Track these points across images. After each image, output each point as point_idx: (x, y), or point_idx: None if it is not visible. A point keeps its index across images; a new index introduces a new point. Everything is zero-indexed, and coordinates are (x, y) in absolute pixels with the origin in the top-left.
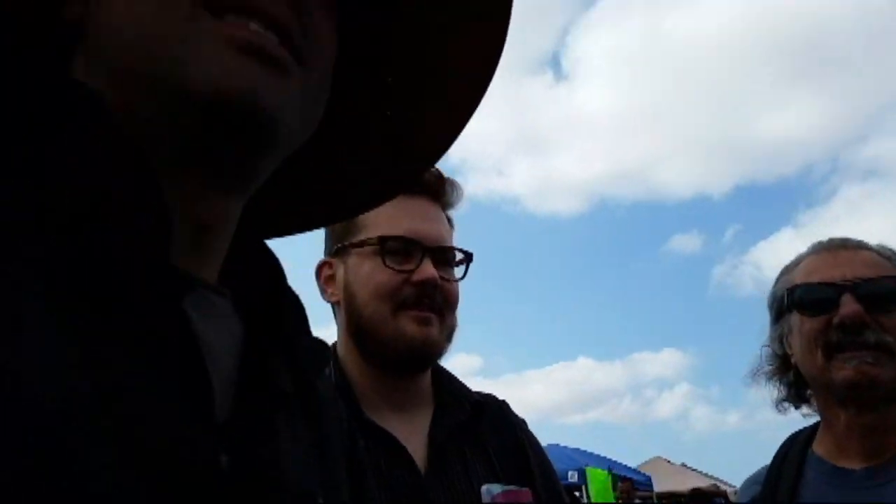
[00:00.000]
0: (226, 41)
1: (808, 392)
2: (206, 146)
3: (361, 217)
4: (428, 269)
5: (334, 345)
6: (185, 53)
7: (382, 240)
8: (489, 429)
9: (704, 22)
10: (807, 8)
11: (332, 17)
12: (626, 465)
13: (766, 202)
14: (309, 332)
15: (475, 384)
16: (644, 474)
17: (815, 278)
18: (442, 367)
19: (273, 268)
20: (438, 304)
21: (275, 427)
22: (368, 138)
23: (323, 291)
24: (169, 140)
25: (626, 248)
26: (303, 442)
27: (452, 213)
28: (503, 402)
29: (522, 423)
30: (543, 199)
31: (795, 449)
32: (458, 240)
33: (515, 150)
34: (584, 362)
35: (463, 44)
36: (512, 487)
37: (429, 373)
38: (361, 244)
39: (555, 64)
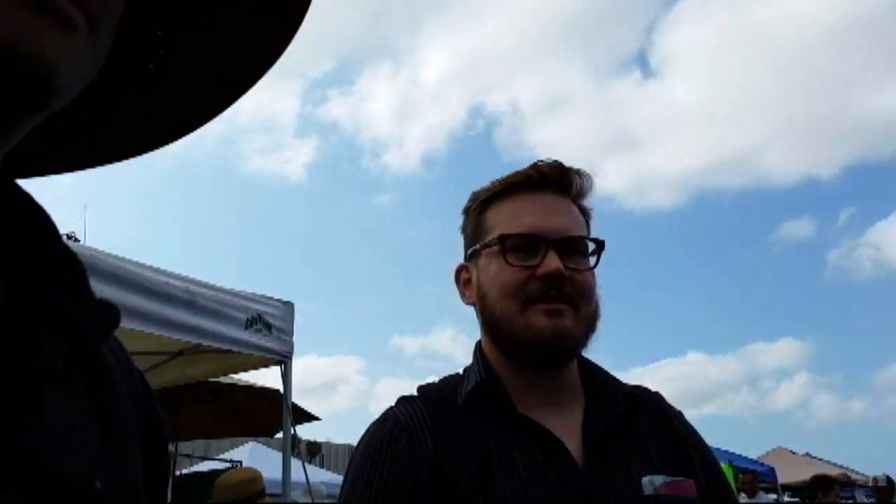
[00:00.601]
0: None
1: None
2: None
3: (489, 217)
4: (551, 262)
5: (479, 343)
6: None
7: (502, 238)
8: (645, 421)
9: (794, 3)
10: None
11: None
12: (746, 457)
13: (881, 181)
14: (88, 293)
15: None
16: (766, 465)
17: None
18: (589, 360)
19: (37, 219)
20: (570, 295)
21: (41, 409)
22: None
23: (462, 295)
24: None
25: (733, 238)
26: (82, 420)
27: (586, 202)
28: (657, 393)
29: (679, 414)
30: (641, 196)
31: None
32: None
33: (607, 151)
34: (694, 357)
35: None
36: (675, 479)
37: (576, 366)
38: (488, 245)
39: (642, 62)
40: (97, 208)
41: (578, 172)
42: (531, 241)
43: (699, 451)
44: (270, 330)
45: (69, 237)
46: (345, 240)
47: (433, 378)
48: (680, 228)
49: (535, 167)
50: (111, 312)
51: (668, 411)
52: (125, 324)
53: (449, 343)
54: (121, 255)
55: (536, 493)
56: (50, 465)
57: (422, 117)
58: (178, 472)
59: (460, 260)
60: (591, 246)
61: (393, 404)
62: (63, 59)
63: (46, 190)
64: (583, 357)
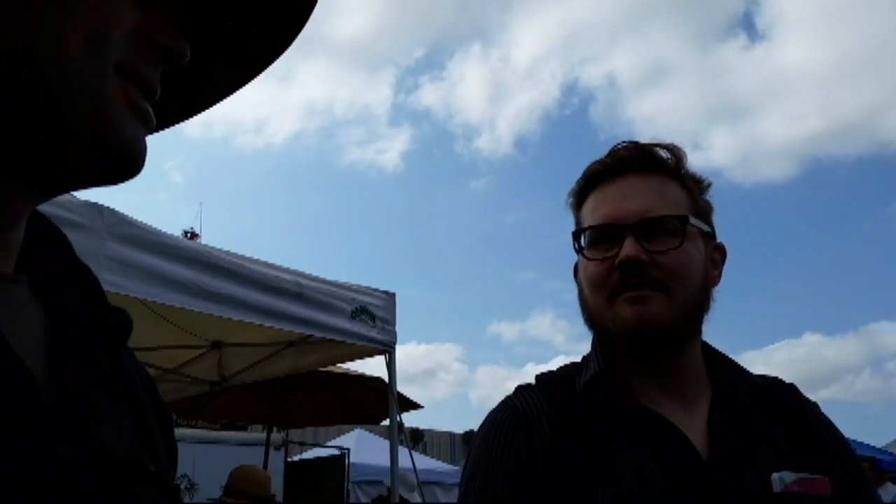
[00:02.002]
0: (127, 104)
1: None
2: (68, 173)
3: (582, 213)
4: (626, 249)
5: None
6: (99, 105)
7: (576, 235)
8: (776, 413)
9: None
10: None
11: None
12: (870, 445)
13: None
14: (107, 304)
15: None
16: (892, 454)
17: None
18: (716, 350)
19: (60, 242)
20: (657, 279)
21: (95, 405)
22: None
23: (578, 287)
24: (25, 158)
25: (851, 209)
26: (120, 413)
27: (688, 175)
28: (791, 385)
29: (815, 406)
30: (750, 168)
31: None
32: None
33: (712, 121)
34: (811, 338)
35: None
36: (806, 475)
37: (699, 356)
38: (574, 239)
39: (747, 25)
40: (211, 206)
41: (662, 146)
42: (607, 230)
43: (835, 446)
44: (374, 320)
45: (188, 234)
46: (441, 226)
47: (532, 365)
48: (793, 201)
49: (611, 153)
50: (126, 320)
51: (802, 403)
52: (241, 317)
53: (548, 329)
54: (235, 252)
55: (658, 486)
56: (106, 447)
57: (514, 98)
58: (289, 459)
59: (557, 243)
60: (695, 221)
61: (510, 393)
62: (144, 149)
63: (161, 191)
64: (709, 346)
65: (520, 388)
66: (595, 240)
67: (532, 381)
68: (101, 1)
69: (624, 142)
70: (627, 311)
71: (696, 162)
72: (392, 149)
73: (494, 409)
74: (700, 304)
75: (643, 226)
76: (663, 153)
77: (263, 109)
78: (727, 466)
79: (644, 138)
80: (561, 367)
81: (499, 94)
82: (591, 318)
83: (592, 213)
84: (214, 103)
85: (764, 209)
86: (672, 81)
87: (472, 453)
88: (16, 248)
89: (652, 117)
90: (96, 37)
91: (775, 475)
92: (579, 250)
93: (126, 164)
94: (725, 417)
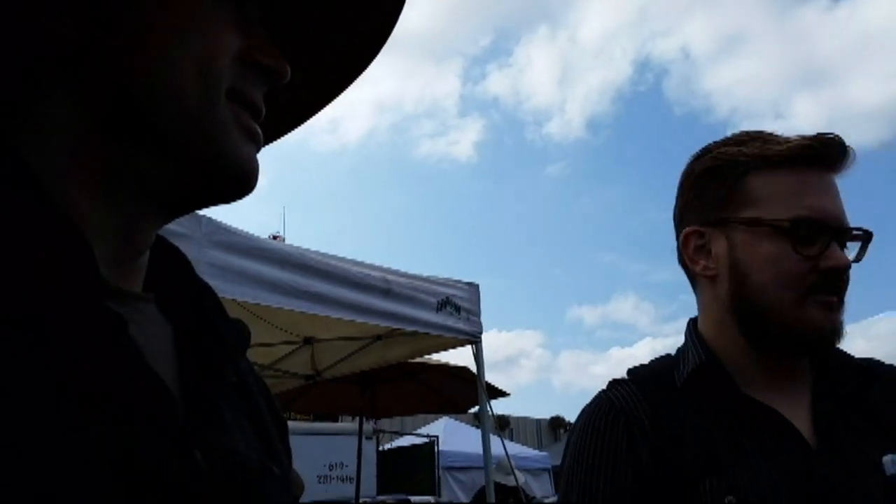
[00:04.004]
0: (239, 128)
1: None
2: (188, 196)
3: (755, 187)
4: (839, 256)
5: (694, 320)
6: (214, 132)
7: (796, 224)
8: (883, 397)
9: None
10: None
11: None
12: None
13: None
14: (227, 316)
15: None
16: None
17: None
18: None
19: (179, 259)
20: (841, 289)
21: (223, 414)
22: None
23: (690, 261)
24: (149, 184)
25: None
26: (243, 421)
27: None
28: (892, 367)
29: None
30: (839, 134)
31: None
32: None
33: (794, 88)
34: None
35: None
36: None
37: None
38: (758, 223)
39: None
40: (293, 208)
41: (844, 143)
42: (814, 227)
43: None
44: (459, 312)
45: (275, 237)
46: (517, 214)
47: (617, 349)
48: (886, 165)
49: (818, 138)
50: (244, 330)
51: None
52: (332, 313)
53: (631, 312)
54: (323, 251)
55: (766, 475)
56: (236, 454)
57: (584, 79)
58: (381, 448)
59: (638, 223)
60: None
61: (604, 388)
62: (258, 168)
63: (246, 196)
64: None
65: (614, 383)
66: (795, 232)
67: (617, 369)
68: (207, 30)
69: (829, 133)
70: (821, 316)
71: (779, 131)
72: (464, 140)
73: (589, 405)
74: None
75: (845, 234)
76: (849, 152)
77: (336, 109)
78: (835, 452)
79: (723, 111)
80: (652, 361)
81: (568, 76)
82: (762, 309)
83: (792, 198)
84: (311, 115)
85: (856, 176)
86: (750, 49)
87: (570, 450)
88: (144, 269)
89: (730, 88)
90: (207, 66)
91: (887, 457)
92: (788, 238)
93: (241, 184)
94: (830, 403)
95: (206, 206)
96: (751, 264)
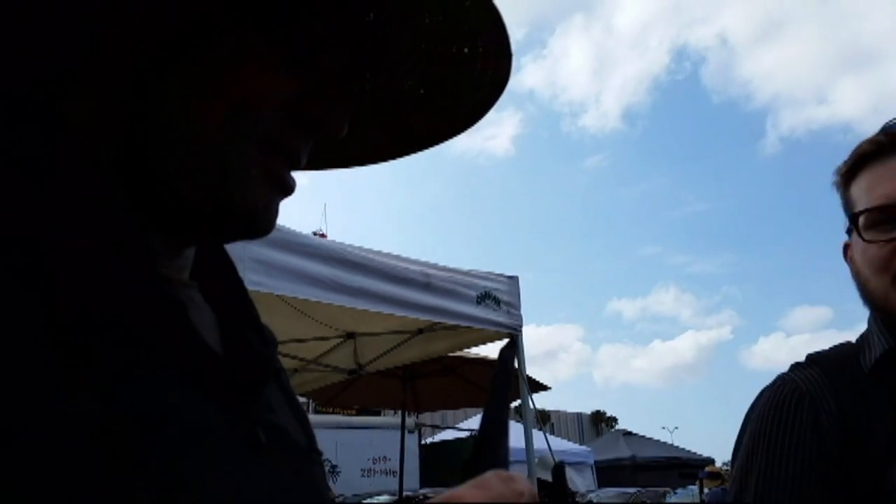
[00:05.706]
0: (265, 175)
1: None
2: (195, 234)
3: (853, 192)
4: None
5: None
6: (226, 176)
7: (854, 216)
8: None
9: None
10: None
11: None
12: None
13: None
14: (259, 320)
15: (828, 338)
16: None
17: None
18: None
19: (224, 258)
20: None
21: (269, 398)
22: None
23: (851, 261)
24: (160, 221)
25: None
26: (286, 406)
27: None
28: None
29: None
30: (883, 119)
31: None
32: (783, 184)
33: (837, 72)
34: None
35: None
36: None
37: None
38: (850, 222)
39: None
40: (334, 205)
41: None
42: (888, 211)
43: None
44: (499, 305)
45: (317, 234)
46: (555, 207)
47: (658, 342)
48: None
49: (884, 132)
50: (273, 334)
51: None
52: (374, 308)
53: (672, 304)
54: (364, 247)
55: None
56: (286, 433)
57: (619, 69)
58: (423, 442)
59: (678, 215)
60: None
61: (786, 371)
62: (275, 216)
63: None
64: None
65: (796, 366)
66: (874, 222)
67: (659, 362)
68: (249, 76)
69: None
70: None
71: (822, 117)
72: (501, 134)
73: (770, 386)
74: None
75: None
76: None
77: None
78: None
79: (763, 98)
80: (832, 347)
81: (603, 66)
82: (873, 299)
83: (868, 192)
84: (374, 163)
85: None
86: (789, 33)
87: (751, 430)
88: (190, 261)
89: (770, 74)
90: (239, 112)
91: None
92: (855, 232)
93: (250, 231)
94: None
95: (224, 242)
96: (858, 261)
